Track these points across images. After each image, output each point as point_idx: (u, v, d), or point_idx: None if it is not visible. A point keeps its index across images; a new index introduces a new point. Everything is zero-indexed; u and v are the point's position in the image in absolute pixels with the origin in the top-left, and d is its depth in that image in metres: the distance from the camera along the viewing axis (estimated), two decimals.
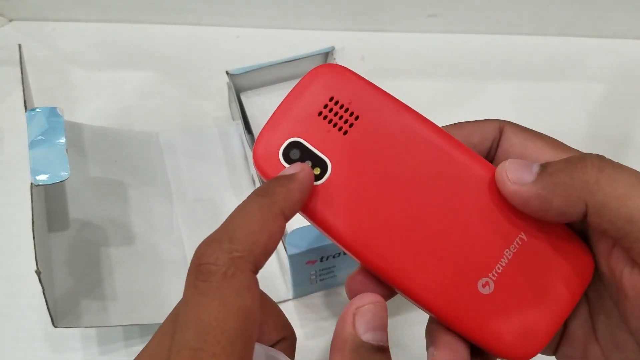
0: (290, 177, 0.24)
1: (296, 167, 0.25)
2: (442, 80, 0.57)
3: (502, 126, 0.28)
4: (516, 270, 0.25)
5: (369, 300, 0.24)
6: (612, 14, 0.58)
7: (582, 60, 0.59)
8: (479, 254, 0.25)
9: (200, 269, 0.22)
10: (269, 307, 0.27)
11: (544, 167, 0.24)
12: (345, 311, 0.24)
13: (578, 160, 0.24)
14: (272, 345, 0.27)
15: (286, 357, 0.26)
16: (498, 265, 0.25)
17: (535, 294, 0.25)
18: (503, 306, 0.25)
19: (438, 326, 0.26)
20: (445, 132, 0.26)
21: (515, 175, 0.25)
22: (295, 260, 0.40)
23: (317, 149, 0.26)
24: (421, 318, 0.45)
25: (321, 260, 0.42)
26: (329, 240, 0.40)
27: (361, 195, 0.25)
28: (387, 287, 0.26)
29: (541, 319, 0.25)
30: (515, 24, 0.59)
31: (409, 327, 0.44)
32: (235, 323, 0.21)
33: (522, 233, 0.26)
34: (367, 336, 0.23)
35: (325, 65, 0.26)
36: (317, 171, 0.26)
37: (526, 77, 0.58)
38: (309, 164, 0.26)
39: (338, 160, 0.26)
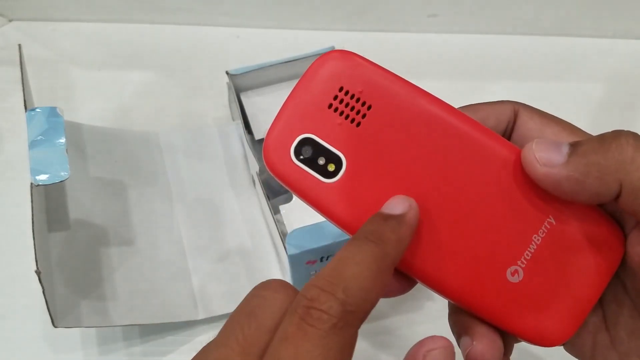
0: (400, 221, 0.23)
1: (404, 205, 0.24)
2: (442, 80, 0.57)
3: (516, 109, 0.27)
4: (545, 257, 0.25)
5: (440, 345, 0.23)
6: (612, 14, 0.58)
7: (582, 60, 0.59)
8: (507, 241, 0.25)
9: (310, 312, 0.21)
10: None
11: (575, 146, 0.23)
12: (415, 351, 0.23)
13: (612, 138, 0.23)
14: None
15: None
16: (527, 252, 0.25)
17: (565, 279, 0.25)
18: (533, 294, 0.25)
19: (468, 316, 0.25)
20: (463, 115, 0.25)
21: (545, 157, 0.23)
22: (295, 260, 0.40)
23: (330, 144, 0.25)
24: (423, 318, 0.45)
25: (321, 260, 0.42)
26: (328, 240, 0.40)
27: (378, 188, 0.25)
28: (408, 278, 0.26)
29: (572, 303, 0.25)
30: (515, 24, 0.59)
31: (410, 328, 0.44)
32: None
33: (550, 217, 0.25)
34: None
35: (332, 53, 0.25)
36: (331, 167, 0.25)
37: (526, 77, 0.58)
38: (322, 160, 0.25)
39: (352, 155, 0.25)
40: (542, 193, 0.24)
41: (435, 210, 0.25)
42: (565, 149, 0.23)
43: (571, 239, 0.25)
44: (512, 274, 0.25)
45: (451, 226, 0.25)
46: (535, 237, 0.25)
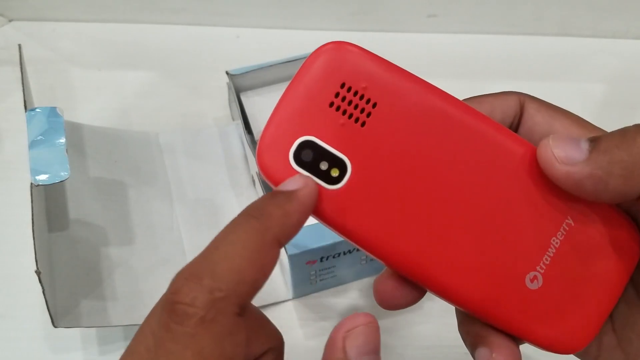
0: (289, 196, 0.21)
1: (298, 182, 0.22)
2: (442, 80, 0.56)
3: (522, 100, 0.25)
4: (565, 261, 0.23)
5: (360, 322, 0.22)
6: (612, 14, 0.58)
7: (582, 60, 0.59)
8: (525, 246, 0.23)
9: (174, 308, 0.19)
10: (256, 320, 0.24)
11: (595, 143, 0.22)
12: (334, 335, 0.22)
13: (636, 133, 0.21)
14: (259, 358, 0.25)
15: None
16: (546, 256, 0.23)
17: (584, 284, 0.23)
18: (553, 301, 0.23)
19: (483, 326, 0.24)
20: (475, 110, 0.23)
21: (564, 155, 0.22)
22: (295, 260, 0.40)
23: (333, 147, 0.22)
24: (422, 319, 0.45)
25: (321, 260, 0.42)
26: (328, 240, 0.40)
27: (387, 194, 0.23)
28: (420, 289, 0.24)
29: (591, 307, 0.23)
30: (515, 24, 0.59)
31: (410, 328, 0.44)
32: None
33: (568, 217, 0.23)
34: None
35: (329, 44, 0.23)
36: (335, 172, 0.22)
37: (526, 77, 0.58)
38: (324, 165, 0.23)
39: (358, 158, 0.22)
40: (559, 192, 0.23)
41: (448, 214, 0.23)
42: (585, 146, 0.22)
43: (590, 240, 0.23)
44: (532, 281, 0.23)
45: (464, 231, 0.23)
46: (554, 240, 0.23)
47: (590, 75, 0.58)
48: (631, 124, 0.22)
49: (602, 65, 0.58)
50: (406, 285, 0.24)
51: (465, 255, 0.23)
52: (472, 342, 0.24)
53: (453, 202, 0.23)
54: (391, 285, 0.24)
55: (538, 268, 0.23)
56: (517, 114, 0.26)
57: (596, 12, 0.58)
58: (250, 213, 0.21)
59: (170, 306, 0.19)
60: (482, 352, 0.23)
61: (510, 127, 0.26)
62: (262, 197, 0.22)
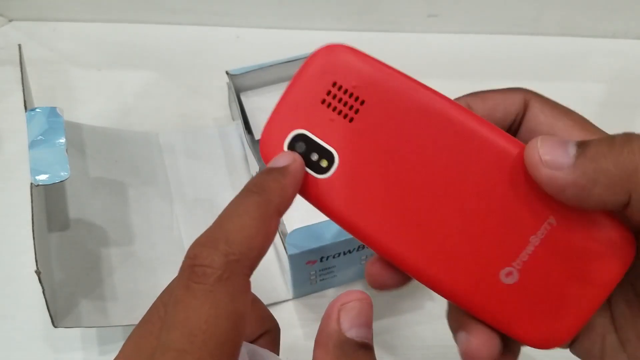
0: (283, 172, 0.24)
1: (287, 158, 0.24)
2: (442, 80, 0.57)
3: (527, 99, 0.26)
4: (544, 259, 0.24)
5: (354, 297, 0.24)
6: (612, 14, 0.58)
7: (582, 60, 0.59)
8: (501, 241, 0.24)
9: (194, 270, 0.21)
10: (253, 303, 0.26)
11: (583, 148, 0.22)
12: (330, 307, 0.24)
13: (624, 142, 0.21)
14: (255, 340, 0.27)
15: (268, 351, 0.26)
16: (523, 253, 0.24)
17: (565, 282, 0.24)
18: (528, 296, 0.24)
19: (466, 315, 0.25)
20: (461, 107, 0.24)
21: (550, 159, 0.22)
22: (295, 260, 0.40)
23: (322, 140, 0.24)
24: (423, 318, 0.45)
25: (321, 260, 0.42)
26: (329, 240, 0.40)
27: (371, 183, 0.24)
28: (403, 274, 0.26)
29: (572, 306, 0.24)
30: (515, 24, 0.59)
31: (410, 328, 0.44)
32: (225, 328, 0.20)
33: (551, 217, 0.23)
34: (352, 332, 0.23)
35: (327, 47, 0.25)
36: (324, 163, 0.24)
37: (526, 77, 0.58)
38: (315, 156, 0.25)
39: (344, 150, 0.24)
40: (543, 192, 0.23)
41: (428, 206, 0.24)
42: (572, 150, 0.22)
43: (574, 241, 0.24)
44: (507, 275, 0.24)
45: (444, 223, 0.24)
46: (533, 238, 0.24)
47: (590, 75, 0.58)
48: (630, 125, 0.22)
49: (602, 65, 0.58)
50: (390, 268, 0.26)
51: (441, 243, 0.24)
52: (454, 327, 0.25)
53: (434, 193, 0.24)
54: (378, 267, 0.26)
55: (514, 264, 0.24)
56: (520, 113, 0.26)
57: (596, 12, 0.58)
58: (251, 189, 0.23)
59: (189, 269, 0.21)
60: (460, 336, 0.25)
61: (511, 126, 0.26)
62: (259, 173, 0.24)
